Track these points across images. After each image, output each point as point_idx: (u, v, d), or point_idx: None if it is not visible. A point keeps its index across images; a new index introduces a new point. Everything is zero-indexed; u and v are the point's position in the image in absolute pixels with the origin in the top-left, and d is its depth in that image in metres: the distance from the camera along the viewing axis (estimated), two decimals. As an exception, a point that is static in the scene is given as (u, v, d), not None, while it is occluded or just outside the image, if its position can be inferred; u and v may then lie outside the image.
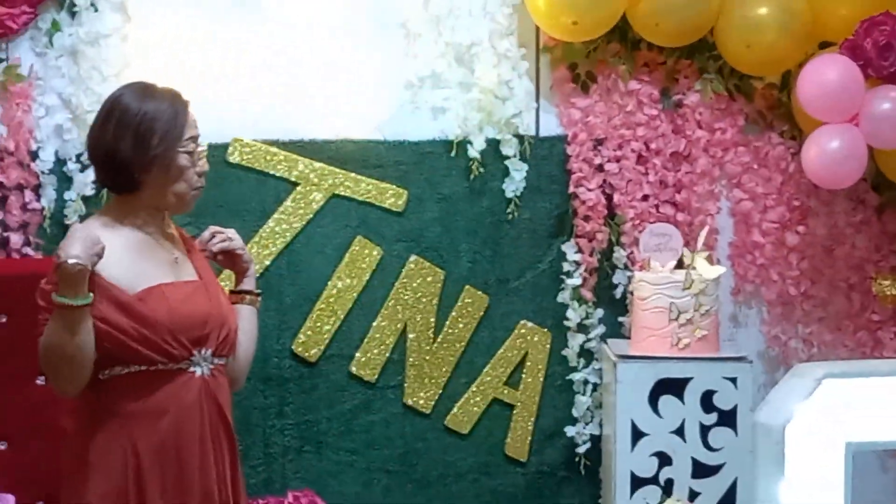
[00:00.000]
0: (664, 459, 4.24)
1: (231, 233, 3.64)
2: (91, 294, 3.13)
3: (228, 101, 4.55)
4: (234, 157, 4.46)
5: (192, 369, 3.30)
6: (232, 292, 3.62)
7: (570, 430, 4.66)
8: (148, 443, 3.24)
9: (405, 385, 4.56)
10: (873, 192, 4.75)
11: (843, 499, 4.23)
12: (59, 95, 4.45)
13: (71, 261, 3.05)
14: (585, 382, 4.70)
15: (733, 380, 4.24)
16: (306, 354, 4.49)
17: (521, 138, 4.60)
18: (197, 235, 3.61)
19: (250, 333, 3.57)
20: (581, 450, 4.69)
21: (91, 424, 3.27)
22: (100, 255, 3.14)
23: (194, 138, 3.38)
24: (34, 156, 4.45)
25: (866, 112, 4.29)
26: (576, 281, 4.65)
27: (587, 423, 4.72)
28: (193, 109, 3.42)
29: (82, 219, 4.22)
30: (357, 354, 4.53)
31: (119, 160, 3.36)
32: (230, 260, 3.60)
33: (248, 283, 3.62)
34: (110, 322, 3.13)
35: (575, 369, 4.68)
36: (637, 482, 4.22)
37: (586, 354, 4.69)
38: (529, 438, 4.69)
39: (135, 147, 3.33)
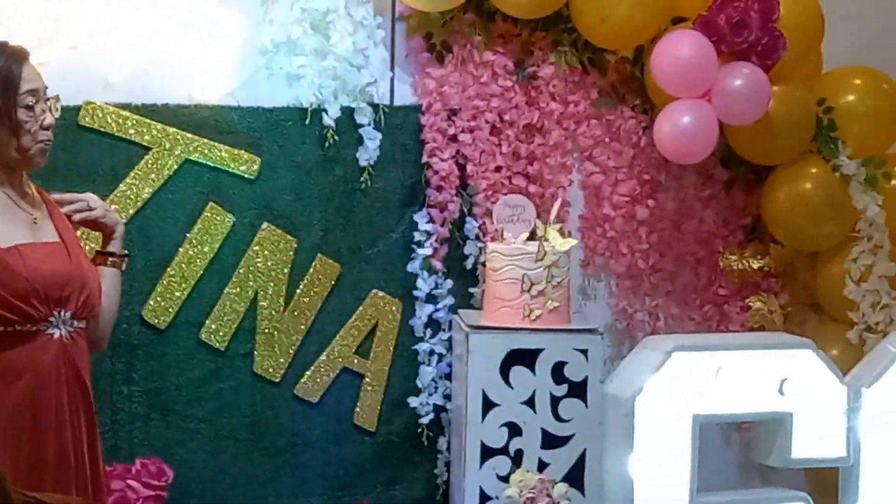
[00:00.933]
0: (514, 430, 4.29)
1: (91, 200, 3.61)
2: None
3: (80, 63, 4.49)
4: (85, 121, 4.38)
5: (50, 331, 3.30)
6: (97, 253, 3.60)
7: (413, 401, 4.71)
8: (4, 405, 3.23)
9: (255, 353, 4.55)
10: (722, 168, 4.83)
11: (689, 470, 4.28)
12: None
13: None
14: (431, 353, 4.73)
15: (584, 351, 4.29)
16: (156, 321, 4.45)
17: (375, 107, 4.63)
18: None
19: (112, 296, 3.57)
20: (424, 420, 4.74)
21: None
22: None
23: (33, 91, 3.34)
24: None
25: (718, 88, 4.37)
26: (426, 251, 4.68)
27: (431, 394, 4.76)
28: (35, 64, 3.41)
29: None
30: (207, 322, 4.50)
31: None
32: (94, 224, 3.60)
33: (114, 245, 3.60)
34: None
35: (422, 339, 4.73)
36: (487, 452, 4.26)
37: (434, 325, 4.74)
38: (378, 408, 4.73)
39: None
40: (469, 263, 4.67)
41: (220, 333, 4.53)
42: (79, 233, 3.71)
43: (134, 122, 4.44)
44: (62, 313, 3.32)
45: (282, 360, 4.61)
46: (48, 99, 3.43)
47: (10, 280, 3.20)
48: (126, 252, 3.68)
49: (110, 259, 3.59)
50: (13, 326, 3.24)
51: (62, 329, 3.34)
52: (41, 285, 3.27)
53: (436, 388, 4.70)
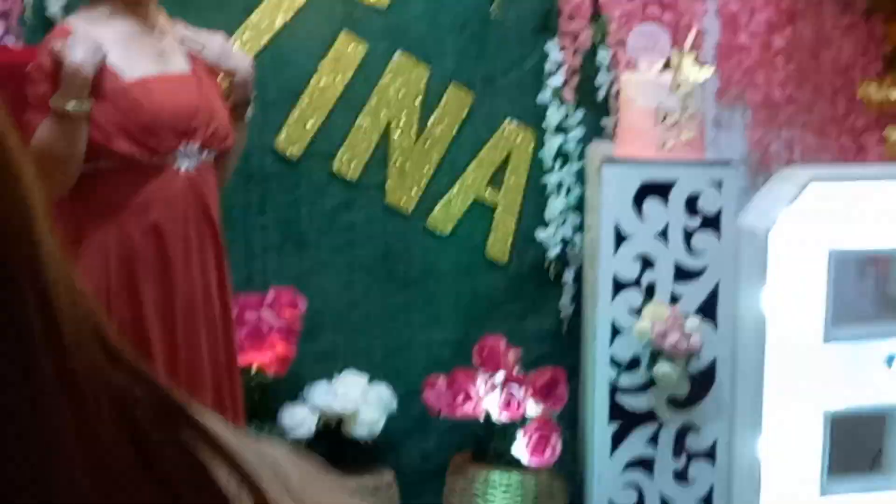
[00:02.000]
0: (646, 263, 4.30)
1: (210, 41, 3.59)
2: (89, 100, 3.18)
3: None
4: None
5: (176, 164, 3.34)
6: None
7: (540, 234, 4.74)
8: (132, 237, 3.32)
9: (387, 184, 4.61)
10: None
11: (823, 303, 4.25)
12: None
13: (75, 65, 3.11)
14: (560, 185, 4.74)
15: (718, 183, 4.29)
16: (288, 152, 4.51)
17: None
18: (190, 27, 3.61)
19: (236, 143, 3.63)
20: (551, 253, 4.76)
21: (77, 221, 3.32)
22: (102, 60, 3.19)
23: None
24: None
25: None
26: (557, 81, 4.64)
27: (559, 227, 4.77)
28: None
29: (63, 9, 4.22)
30: (339, 152, 4.53)
31: None
32: (213, 66, 3.61)
33: (236, 92, 3.60)
34: (93, 114, 3.18)
35: (551, 171, 4.74)
36: (619, 285, 4.28)
37: (563, 156, 4.72)
38: (510, 240, 4.76)
39: None
40: (601, 94, 4.65)
41: (352, 164, 4.56)
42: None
43: None
44: (189, 145, 3.36)
45: (413, 191, 4.65)
46: None
47: (135, 114, 3.25)
48: (249, 99, 3.67)
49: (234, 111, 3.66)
50: (139, 159, 3.29)
51: (189, 162, 3.37)
52: (167, 118, 3.31)
53: (564, 220, 4.71)
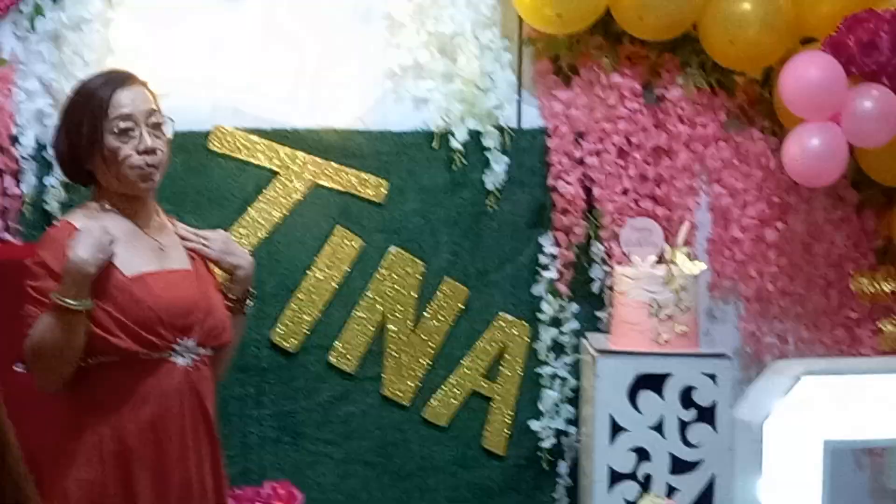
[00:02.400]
0: (643, 455, 4.31)
1: (213, 239, 3.61)
2: (91, 301, 3.18)
3: (210, 88, 4.61)
4: (215, 145, 4.49)
5: (173, 359, 3.30)
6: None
7: (534, 425, 4.74)
8: (128, 432, 3.25)
9: (384, 376, 4.61)
10: (853, 190, 4.78)
11: (820, 496, 4.14)
12: (40, 80, 4.46)
13: (79, 263, 3.11)
14: (554, 377, 4.76)
15: (712, 376, 4.31)
16: (285, 344, 4.54)
17: (502, 130, 4.67)
18: (188, 224, 3.62)
19: (232, 336, 3.61)
20: (545, 444, 4.76)
21: (73, 414, 3.31)
22: (107, 259, 3.20)
23: (126, 117, 3.33)
24: (14, 140, 4.47)
25: (848, 110, 4.33)
26: (552, 274, 4.69)
27: (552, 418, 4.79)
28: (159, 92, 3.42)
29: (64, 207, 4.33)
30: (336, 345, 4.57)
31: (62, 154, 3.46)
32: (213, 263, 3.65)
33: (234, 289, 3.60)
34: (92, 311, 3.16)
35: (545, 363, 4.75)
36: (615, 477, 4.28)
37: (557, 348, 4.77)
38: (507, 432, 4.75)
39: (68, 137, 3.39)
40: (595, 287, 4.69)
41: (349, 357, 4.59)
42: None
43: (263, 146, 4.53)
44: (186, 341, 3.33)
45: (410, 383, 4.66)
46: (157, 123, 3.41)
47: (134, 309, 3.22)
48: (249, 292, 3.66)
49: (226, 303, 3.61)
50: (137, 355, 3.25)
51: (186, 357, 3.34)
52: (165, 314, 3.28)
53: (557, 412, 4.73)
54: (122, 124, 3.29)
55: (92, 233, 3.20)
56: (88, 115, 3.32)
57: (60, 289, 3.16)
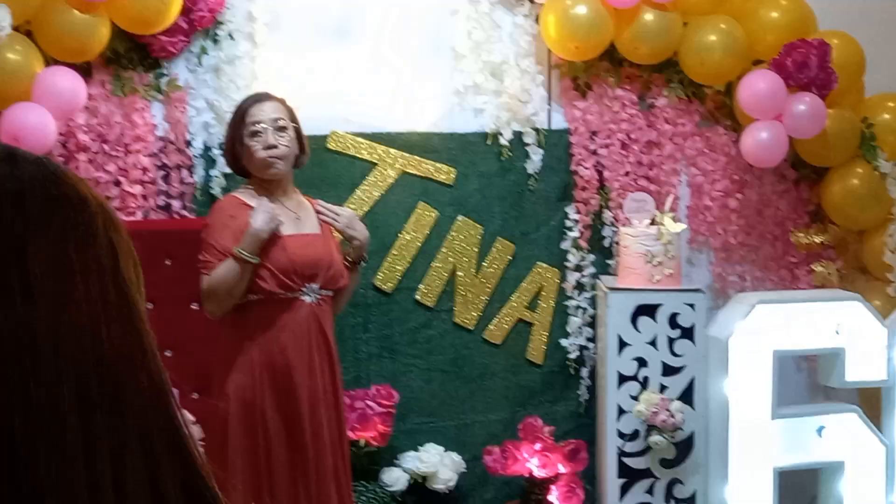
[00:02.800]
0: (642, 363, 4.84)
1: (341, 213, 4.11)
2: (258, 257, 3.78)
3: (329, 103, 5.08)
4: (331, 145, 5.06)
5: (303, 297, 3.88)
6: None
7: (563, 342, 5.29)
8: (270, 350, 3.85)
9: (454, 308, 5.20)
10: (792, 169, 5.30)
11: (770, 390, 4.77)
12: (206, 101, 5.01)
13: (256, 229, 3.76)
14: (578, 307, 5.31)
15: (692, 305, 4.83)
16: (384, 287, 5.14)
17: (537, 131, 5.23)
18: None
19: (349, 286, 4.15)
20: (571, 356, 5.32)
21: (232, 336, 3.92)
22: (275, 228, 3.82)
23: (256, 122, 3.88)
24: (188, 144, 4.98)
25: (787, 112, 4.83)
26: (574, 234, 5.24)
27: (577, 337, 5.33)
28: (292, 105, 4.02)
29: (224, 190, 4.84)
30: (420, 287, 5.17)
31: (225, 153, 4.20)
32: (340, 231, 4.09)
33: (353, 252, 4.10)
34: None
35: (571, 297, 5.31)
36: (622, 379, 4.82)
37: (580, 287, 5.30)
38: (544, 347, 5.33)
39: (227, 141, 4.07)
40: (606, 243, 5.26)
41: (430, 295, 5.21)
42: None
43: (366, 145, 5.12)
44: (311, 285, 3.91)
45: (474, 313, 5.25)
46: (282, 127, 3.93)
47: (277, 262, 3.83)
48: (362, 257, 4.15)
49: (344, 261, 4.08)
50: (277, 294, 3.85)
51: (312, 297, 3.91)
52: (298, 265, 3.84)
53: (580, 332, 5.29)
54: (253, 128, 3.88)
55: (266, 209, 3.77)
56: (235, 124, 3.95)
57: (242, 246, 3.73)
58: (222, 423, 3.94)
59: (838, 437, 4.93)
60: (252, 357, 3.88)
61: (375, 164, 5.21)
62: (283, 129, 3.92)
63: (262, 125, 3.89)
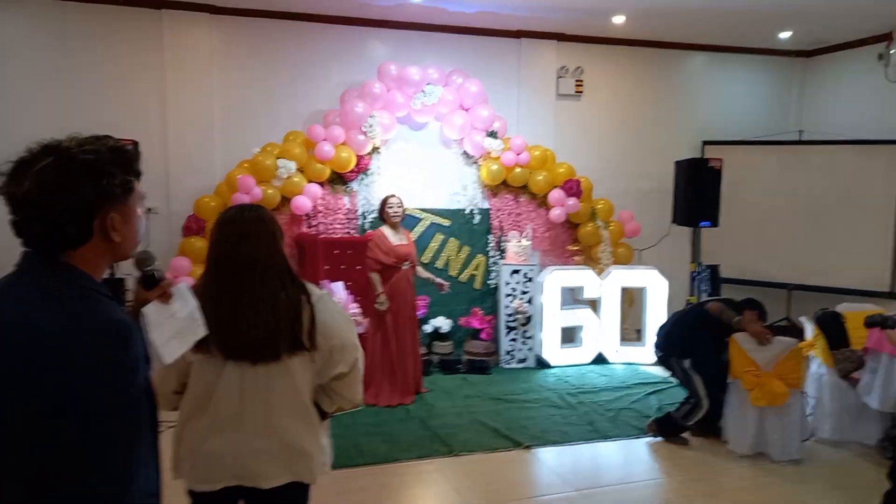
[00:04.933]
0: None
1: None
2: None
3: (406, 184, 11.84)
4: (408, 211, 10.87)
5: (402, 267, 9.94)
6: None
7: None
8: (390, 292, 10.10)
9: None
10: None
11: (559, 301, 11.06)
12: (363, 196, 11.53)
13: (396, 247, 9.86)
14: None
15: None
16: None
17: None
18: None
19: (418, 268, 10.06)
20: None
21: (381, 281, 10.06)
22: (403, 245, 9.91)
23: (392, 204, 10.10)
24: (355, 210, 11.37)
25: None
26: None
27: None
28: (398, 198, 10.23)
29: (373, 223, 11.16)
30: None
31: (379, 213, 10.42)
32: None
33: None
34: (382, 257, 9.96)
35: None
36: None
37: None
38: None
39: (380, 210, 10.29)
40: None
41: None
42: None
43: (428, 214, 11.84)
44: (406, 263, 9.84)
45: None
46: (401, 205, 9.87)
47: (394, 253, 9.86)
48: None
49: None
50: (394, 265, 9.83)
51: (405, 267, 9.89)
52: (400, 255, 9.86)
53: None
54: (391, 202, 10.06)
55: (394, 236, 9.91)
56: (385, 203, 10.11)
57: (378, 292, 9.90)
58: (377, 314, 9.89)
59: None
60: (386, 289, 9.70)
61: (421, 219, 11.83)
62: (400, 205, 9.48)
63: (395, 203, 9.56)
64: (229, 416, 4.06)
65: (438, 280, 10.69)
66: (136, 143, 9.01)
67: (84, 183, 2.64)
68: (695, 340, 8.66)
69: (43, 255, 2.66)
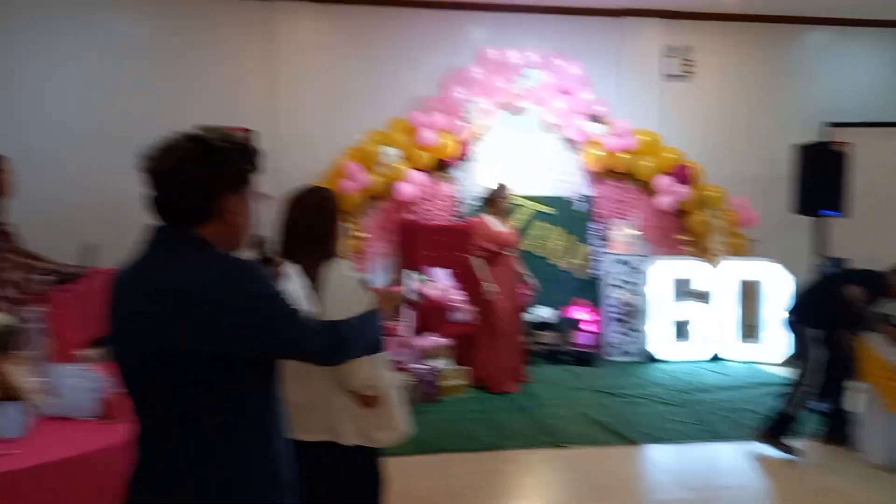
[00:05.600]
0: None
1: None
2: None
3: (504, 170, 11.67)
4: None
5: (508, 253, 10.01)
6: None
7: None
8: (500, 270, 10.13)
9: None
10: None
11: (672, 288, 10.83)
12: (468, 183, 12.05)
13: (502, 233, 10.05)
14: None
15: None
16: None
17: None
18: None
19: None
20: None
21: (491, 265, 10.09)
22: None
23: (506, 193, 10.29)
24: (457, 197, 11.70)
25: None
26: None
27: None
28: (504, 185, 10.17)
29: (472, 212, 11.21)
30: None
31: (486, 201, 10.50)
32: None
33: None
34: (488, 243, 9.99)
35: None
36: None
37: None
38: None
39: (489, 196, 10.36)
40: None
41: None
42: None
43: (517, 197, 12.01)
44: (509, 249, 9.89)
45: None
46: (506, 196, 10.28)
47: (500, 240, 9.84)
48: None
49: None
50: (499, 251, 9.87)
51: (510, 253, 9.97)
52: (506, 241, 9.91)
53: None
54: (505, 193, 10.05)
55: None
56: (499, 191, 10.04)
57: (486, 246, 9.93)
58: (482, 301, 9.96)
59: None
60: (497, 275, 9.86)
61: (520, 205, 11.63)
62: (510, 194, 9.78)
63: (509, 193, 9.76)
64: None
65: (528, 280, 10.48)
66: (248, 131, 9.49)
67: (214, 167, 3.02)
68: (831, 312, 7.96)
69: (175, 229, 3.02)
